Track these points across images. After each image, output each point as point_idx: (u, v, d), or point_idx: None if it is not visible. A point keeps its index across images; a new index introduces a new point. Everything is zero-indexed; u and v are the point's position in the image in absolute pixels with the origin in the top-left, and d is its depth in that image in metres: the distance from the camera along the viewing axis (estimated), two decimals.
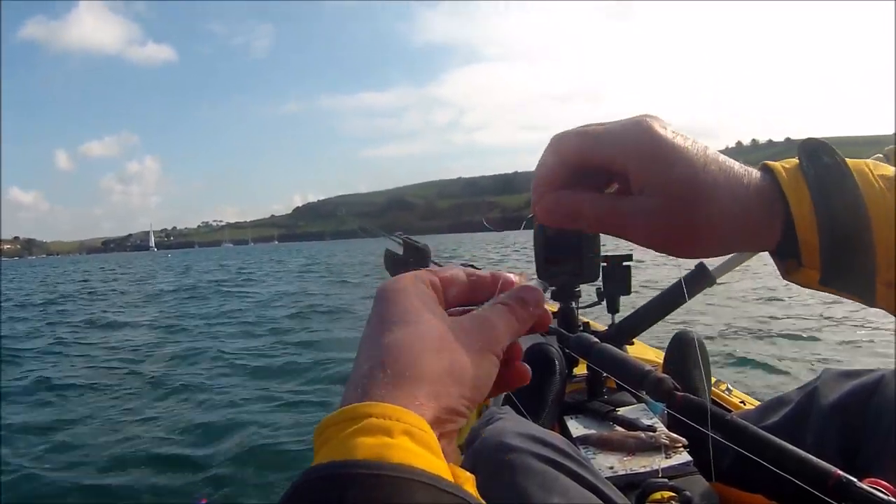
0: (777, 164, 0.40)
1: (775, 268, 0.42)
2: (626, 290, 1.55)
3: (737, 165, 0.39)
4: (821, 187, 0.38)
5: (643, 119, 0.38)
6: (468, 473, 0.28)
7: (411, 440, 0.26)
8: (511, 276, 0.38)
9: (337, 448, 0.26)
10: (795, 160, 0.40)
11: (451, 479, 0.27)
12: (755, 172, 0.39)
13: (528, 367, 0.37)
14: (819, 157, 0.39)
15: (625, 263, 1.53)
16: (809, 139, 0.40)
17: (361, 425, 0.26)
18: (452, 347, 0.31)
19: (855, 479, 0.63)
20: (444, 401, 0.30)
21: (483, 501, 0.27)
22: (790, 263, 0.40)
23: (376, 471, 0.24)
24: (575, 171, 0.39)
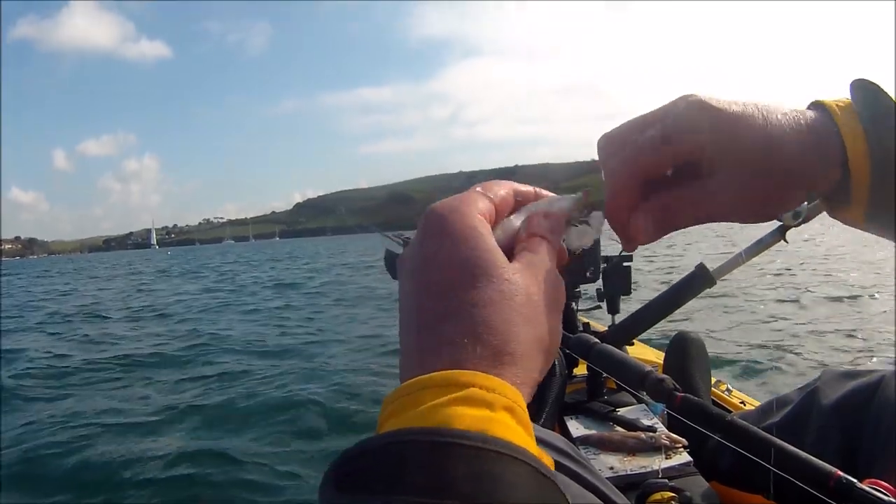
0: (830, 102, 0.39)
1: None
2: (627, 290, 1.54)
3: (790, 112, 0.37)
4: (875, 125, 0.37)
5: (693, 100, 0.36)
6: (547, 455, 0.27)
7: (511, 417, 0.25)
8: (553, 205, 0.35)
9: (434, 414, 0.24)
10: (847, 99, 0.39)
11: (546, 462, 0.25)
12: (808, 113, 0.38)
13: None
14: (873, 95, 0.38)
15: (625, 263, 1.53)
16: (859, 79, 0.39)
17: (463, 394, 0.25)
18: (538, 314, 0.29)
19: (855, 480, 0.63)
20: (533, 375, 0.28)
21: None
22: (839, 202, 0.40)
23: (482, 444, 0.23)
24: (646, 181, 0.37)
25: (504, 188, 0.35)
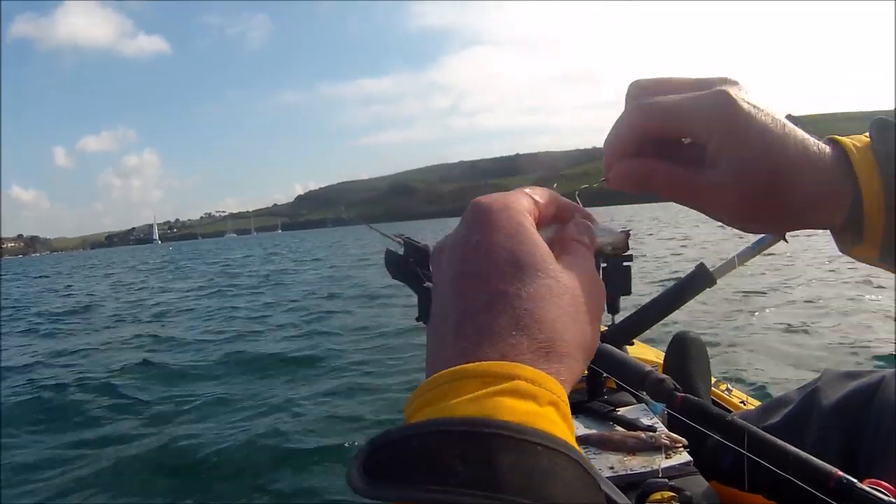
0: (847, 141, 0.39)
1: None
2: (627, 290, 1.54)
3: (812, 142, 0.37)
4: (890, 165, 0.37)
5: (723, 91, 0.36)
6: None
7: (556, 412, 0.25)
8: (583, 219, 0.36)
9: (480, 404, 0.24)
10: (865, 137, 0.39)
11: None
12: (826, 148, 0.38)
13: None
14: (890, 135, 0.38)
15: (625, 263, 1.53)
16: (881, 118, 0.39)
17: (509, 386, 0.24)
18: (582, 315, 0.29)
19: (855, 480, 0.63)
20: (575, 375, 0.28)
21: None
22: (849, 239, 0.40)
23: (530, 438, 0.22)
24: (650, 140, 0.38)
25: (548, 196, 0.35)
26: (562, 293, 0.29)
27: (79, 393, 4.89)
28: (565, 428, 0.25)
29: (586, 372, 1.43)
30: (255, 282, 14.82)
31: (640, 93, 0.39)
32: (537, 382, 0.25)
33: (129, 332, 8.22)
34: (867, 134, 0.39)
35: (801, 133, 0.37)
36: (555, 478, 0.22)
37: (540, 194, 0.34)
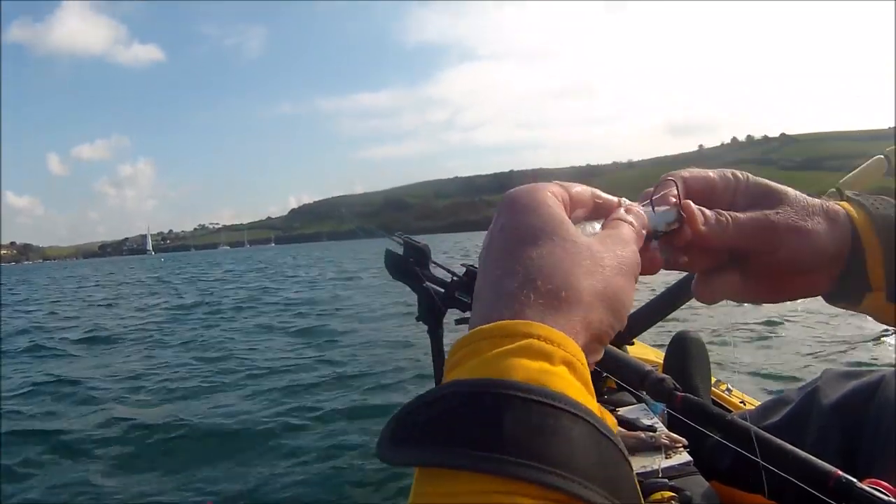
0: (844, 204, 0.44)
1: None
2: None
3: (819, 208, 0.43)
4: (875, 209, 0.43)
5: (729, 170, 0.43)
6: (609, 415, 0.26)
7: (570, 371, 0.25)
8: (635, 205, 0.37)
9: (491, 364, 0.24)
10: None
11: (605, 418, 0.25)
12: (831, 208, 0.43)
13: None
14: (860, 193, 0.45)
15: None
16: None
17: (521, 345, 0.25)
18: (605, 269, 0.29)
19: (855, 480, 0.63)
20: (595, 327, 0.28)
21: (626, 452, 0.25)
22: (856, 292, 0.44)
23: (538, 397, 0.22)
24: (689, 193, 0.41)
25: (581, 187, 0.35)
26: (578, 251, 0.29)
27: None
28: (580, 387, 0.25)
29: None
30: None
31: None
32: (551, 340, 0.25)
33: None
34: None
35: (816, 205, 0.43)
36: (560, 436, 0.22)
37: (573, 185, 0.35)
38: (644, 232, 0.34)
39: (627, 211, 0.35)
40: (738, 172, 0.43)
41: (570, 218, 0.32)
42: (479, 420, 0.22)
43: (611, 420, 0.25)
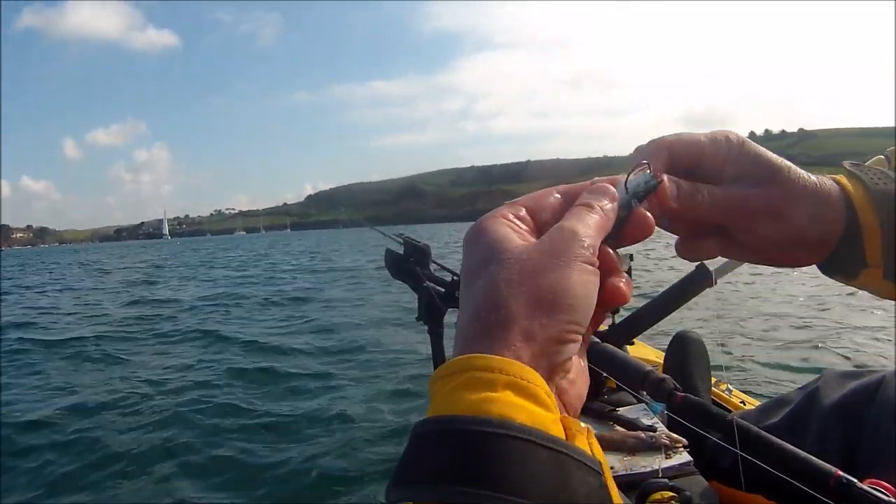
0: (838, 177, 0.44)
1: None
2: None
3: (803, 172, 0.43)
4: (874, 185, 0.43)
5: (730, 131, 0.42)
6: (582, 425, 0.27)
7: (515, 393, 0.26)
8: (604, 179, 0.36)
9: (442, 402, 0.26)
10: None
11: (559, 431, 0.26)
12: (822, 178, 0.43)
13: (627, 281, 0.34)
14: (861, 166, 0.44)
15: None
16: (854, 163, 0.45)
17: (464, 379, 0.26)
18: (533, 274, 0.29)
19: (855, 480, 0.63)
20: (539, 335, 0.28)
21: (598, 451, 0.27)
22: (852, 267, 0.44)
23: (472, 426, 0.24)
24: (675, 161, 0.41)
25: (541, 193, 0.36)
26: (507, 266, 0.30)
27: None
28: (525, 404, 0.26)
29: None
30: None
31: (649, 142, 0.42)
32: (491, 368, 0.26)
33: None
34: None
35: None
36: (493, 458, 0.23)
37: (525, 198, 0.35)
38: (610, 205, 0.33)
39: (590, 191, 0.34)
40: (731, 136, 0.42)
41: (537, 223, 0.33)
42: (419, 456, 0.25)
43: (577, 427, 0.27)
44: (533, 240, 0.32)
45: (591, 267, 0.30)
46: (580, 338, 0.30)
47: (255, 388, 4.73)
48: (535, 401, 0.26)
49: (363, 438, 3.46)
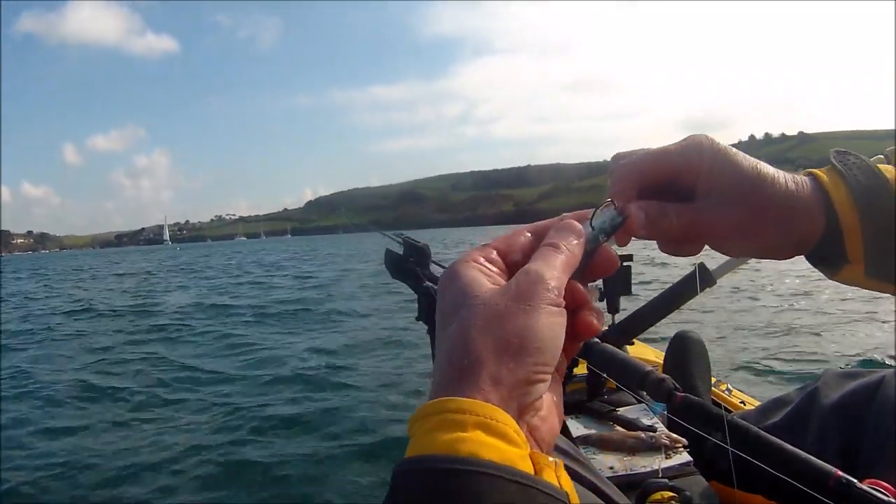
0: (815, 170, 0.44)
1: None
2: (627, 290, 1.54)
3: (779, 172, 0.42)
4: (856, 182, 0.42)
5: (699, 135, 0.42)
6: (550, 459, 0.29)
7: (484, 432, 0.27)
8: (572, 216, 0.37)
9: (418, 443, 0.28)
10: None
11: (527, 466, 0.27)
12: (797, 176, 0.43)
13: (598, 313, 0.35)
14: (846, 157, 0.44)
15: (625, 263, 1.53)
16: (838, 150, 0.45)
17: (437, 421, 0.28)
18: (500, 319, 0.30)
19: (855, 480, 0.63)
20: (507, 379, 0.29)
21: (567, 483, 0.28)
22: (833, 262, 0.44)
23: (442, 464, 0.26)
24: (647, 183, 0.41)
25: (511, 234, 0.37)
26: (474, 313, 0.31)
27: None
28: (494, 443, 0.27)
29: (586, 371, 1.43)
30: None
31: (620, 154, 0.43)
32: (462, 410, 0.28)
33: None
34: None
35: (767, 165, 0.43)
36: (466, 495, 0.25)
37: (497, 240, 0.36)
38: (576, 241, 0.35)
39: (557, 228, 0.36)
40: (704, 146, 0.41)
41: (507, 264, 0.34)
42: (395, 495, 0.27)
43: (545, 462, 0.28)
44: (503, 282, 0.33)
45: (556, 308, 0.32)
46: (548, 377, 0.31)
47: (256, 390, 4.72)
48: (503, 438, 0.28)
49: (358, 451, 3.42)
